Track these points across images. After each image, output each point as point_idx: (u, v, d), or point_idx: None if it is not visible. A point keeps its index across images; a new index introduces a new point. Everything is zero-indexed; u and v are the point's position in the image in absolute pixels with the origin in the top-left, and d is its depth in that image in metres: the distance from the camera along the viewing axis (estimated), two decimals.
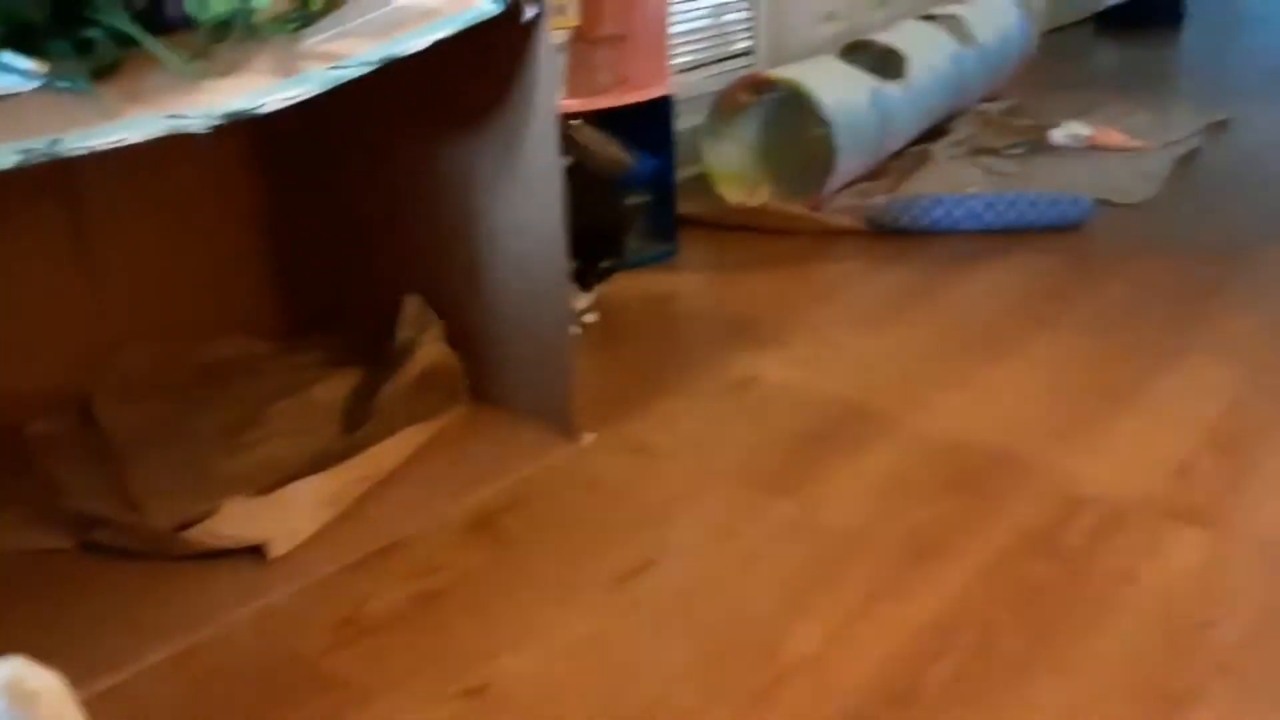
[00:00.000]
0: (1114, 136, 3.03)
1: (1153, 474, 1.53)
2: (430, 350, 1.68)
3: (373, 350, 1.76)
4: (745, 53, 3.12)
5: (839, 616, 1.28)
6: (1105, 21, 5.08)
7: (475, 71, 1.58)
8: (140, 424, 1.66)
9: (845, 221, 2.53)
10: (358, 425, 1.61)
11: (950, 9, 3.34)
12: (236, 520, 1.36)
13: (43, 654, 0.77)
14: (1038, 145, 3.04)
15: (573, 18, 2.23)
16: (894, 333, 2.01)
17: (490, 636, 1.26)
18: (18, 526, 1.43)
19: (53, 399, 1.69)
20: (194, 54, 1.32)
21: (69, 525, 1.42)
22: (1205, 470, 1.55)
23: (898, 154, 2.93)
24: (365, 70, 1.27)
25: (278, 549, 1.38)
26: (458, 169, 1.68)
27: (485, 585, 1.35)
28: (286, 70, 1.27)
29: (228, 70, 1.28)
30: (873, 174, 2.82)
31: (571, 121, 2.30)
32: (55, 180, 1.69)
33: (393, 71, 1.32)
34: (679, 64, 2.84)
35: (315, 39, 1.36)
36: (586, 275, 1.97)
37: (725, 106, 2.67)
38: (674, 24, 2.68)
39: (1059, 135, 3.04)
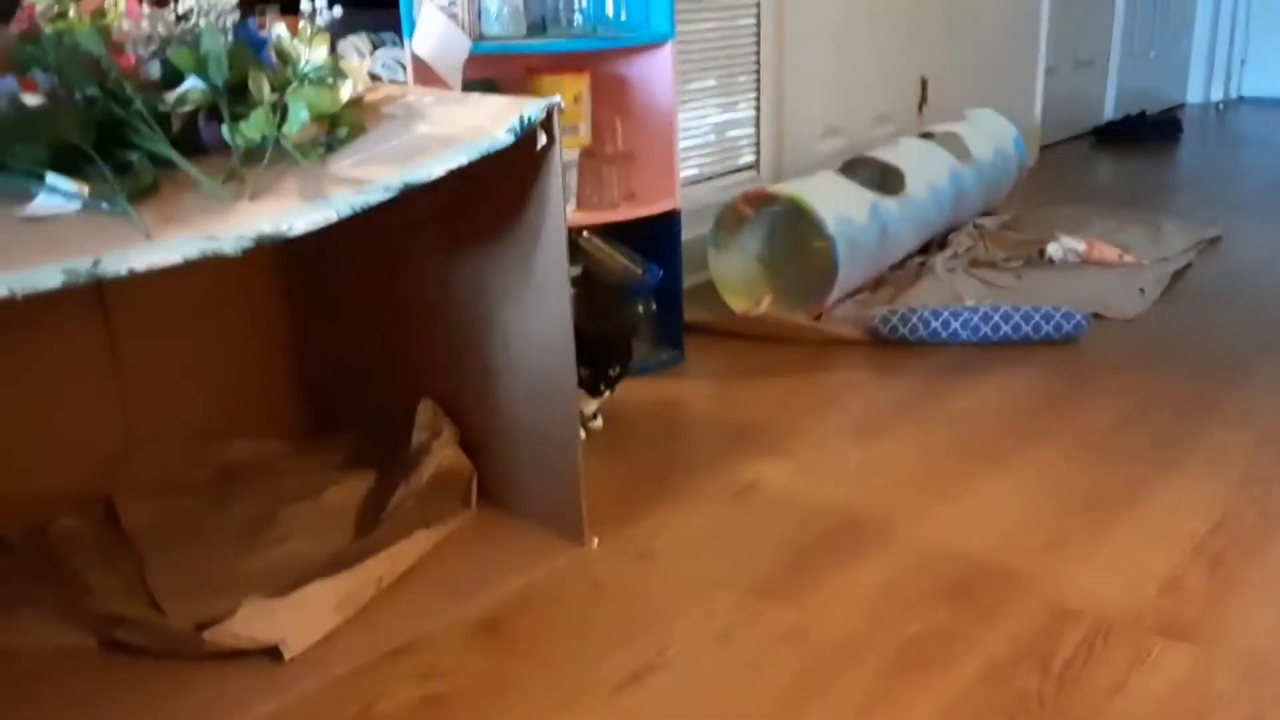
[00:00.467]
0: (1108, 252, 3.11)
1: (1142, 588, 1.58)
2: (443, 454, 1.74)
3: (388, 453, 1.82)
4: (749, 166, 3.23)
5: None
6: (1103, 136, 5.24)
7: (490, 191, 1.67)
8: (161, 523, 1.71)
9: (846, 331, 2.61)
10: (372, 527, 1.66)
11: (948, 127, 3.47)
12: (254, 621, 1.41)
13: None
14: (1034, 259, 3.13)
15: (585, 137, 2.34)
16: (892, 442, 2.07)
17: None
18: (41, 624, 1.48)
19: (77, 498, 1.75)
20: (227, 177, 1.41)
21: (92, 623, 1.46)
22: (1194, 585, 1.59)
23: (897, 266, 3.02)
24: (387, 196, 1.36)
25: (293, 650, 1.43)
26: (471, 281, 1.76)
27: (490, 689, 1.39)
28: (314, 194, 1.35)
29: (259, 193, 1.37)
30: (873, 285, 2.90)
31: (583, 233, 2.39)
32: (88, 289, 1.78)
33: (413, 190, 1.40)
34: (685, 177, 2.94)
35: (341, 164, 1.45)
36: (596, 381, 2.02)
37: (729, 219, 2.77)
38: (681, 139, 2.80)
39: (1054, 250, 3.13)
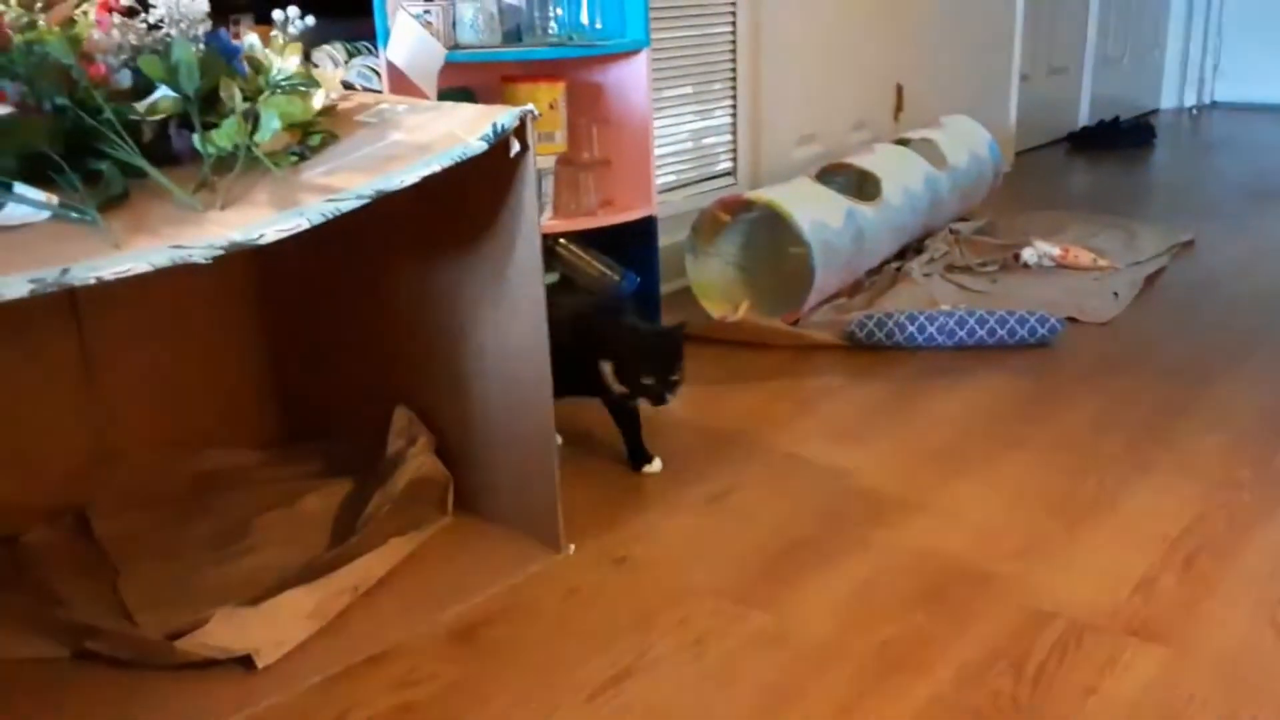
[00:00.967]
0: (1082, 256, 3.14)
1: (1115, 590, 1.58)
2: (419, 461, 1.74)
3: (363, 461, 1.81)
4: (726, 173, 3.24)
5: None
6: (1077, 142, 5.27)
7: (465, 199, 1.67)
8: (134, 534, 1.71)
9: (823, 336, 2.61)
10: (347, 535, 1.66)
11: (924, 133, 3.49)
12: (226, 631, 1.40)
13: None
14: (1009, 264, 3.15)
15: (561, 144, 2.34)
16: (868, 447, 2.07)
17: None
18: (14, 635, 1.46)
19: (49, 509, 1.74)
20: (198, 186, 1.40)
21: (64, 634, 1.45)
22: (1167, 587, 1.60)
23: (874, 271, 3.04)
24: (360, 203, 1.36)
25: (266, 659, 1.42)
26: (447, 289, 1.76)
27: (465, 697, 1.39)
28: (286, 202, 1.35)
29: (230, 202, 1.36)
30: (850, 290, 2.91)
31: (560, 240, 2.40)
32: (60, 299, 1.77)
33: (388, 197, 1.39)
34: (662, 184, 2.95)
35: (314, 172, 1.45)
36: (661, 389, 1.88)
37: (706, 225, 2.78)
38: (657, 146, 2.80)
39: (1029, 254, 3.15)
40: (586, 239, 2.42)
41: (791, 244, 2.69)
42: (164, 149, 1.47)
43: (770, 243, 2.85)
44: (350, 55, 2.32)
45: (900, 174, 3.14)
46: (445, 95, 2.12)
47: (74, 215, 1.30)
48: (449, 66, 2.10)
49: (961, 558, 1.67)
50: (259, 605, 1.45)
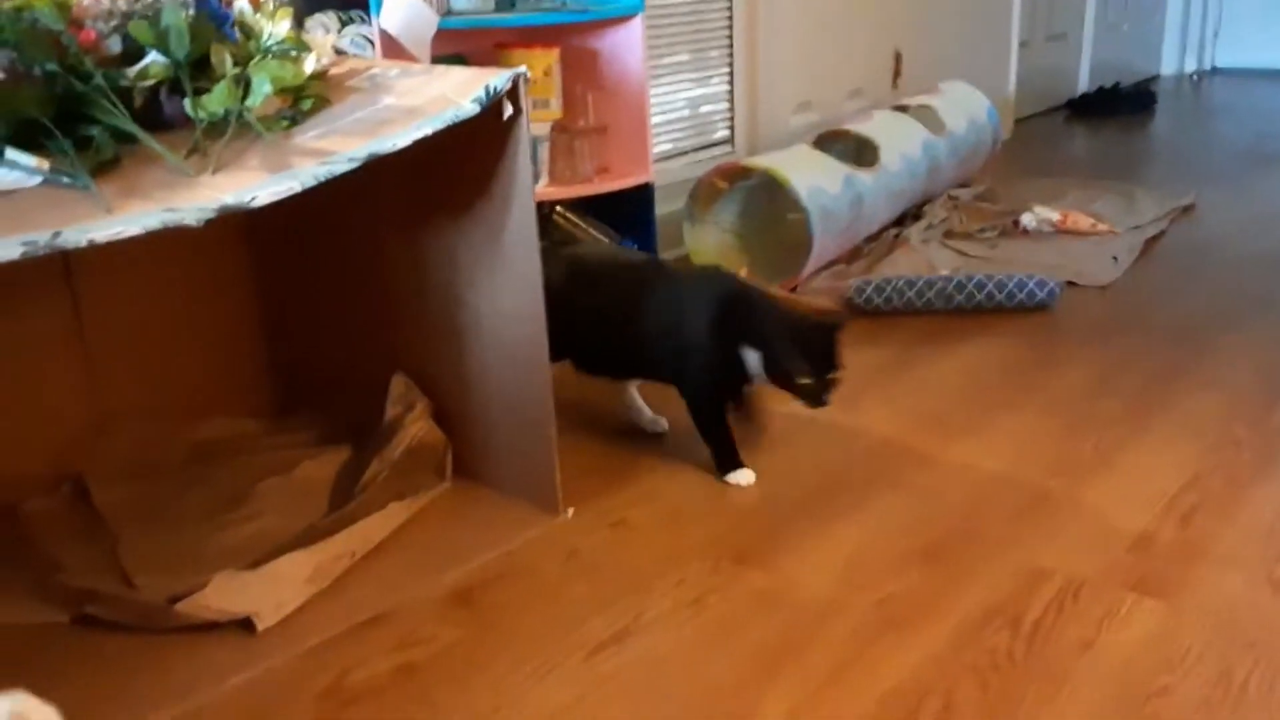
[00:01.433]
0: (1081, 221, 3.13)
1: (1112, 547, 1.59)
2: (417, 427, 1.74)
3: (361, 428, 1.81)
4: (724, 141, 3.23)
5: (808, 685, 1.32)
6: (1077, 109, 5.25)
7: (458, 165, 1.67)
8: (133, 502, 1.71)
9: (822, 302, 2.61)
10: (345, 501, 1.66)
11: (922, 100, 3.47)
12: (226, 593, 1.41)
13: None
14: (1008, 230, 3.14)
15: (556, 110, 2.34)
16: (867, 410, 2.07)
17: (469, 707, 1.30)
18: (13, 601, 1.47)
19: (48, 478, 1.74)
20: (190, 151, 1.40)
21: (64, 600, 1.46)
22: (1164, 543, 1.60)
23: (872, 238, 3.03)
24: (352, 166, 1.35)
25: (266, 621, 1.43)
26: (443, 255, 1.76)
27: (465, 657, 1.40)
28: (278, 166, 1.34)
29: (222, 166, 1.36)
30: (848, 257, 2.91)
31: (556, 207, 2.39)
32: (55, 266, 1.77)
33: (381, 163, 1.39)
34: (660, 152, 2.94)
35: (305, 136, 1.44)
36: (819, 390, 1.71)
37: (703, 192, 2.77)
38: (654, 114, 2.79)
39: (1028, 220, 3.14)
40: (583, 207, 2.42)
41: (789, 210, 2.68)
42: (155, 115, 1.47)
43: (768, 210, 2.84)
44: (343, 24, 2.30)
45: (898, 140, 3.13)
46: (439, 62, 2.11)
47: (65, 180, 1.30)
48: (442, 33, 2.09)
49: (960, 517, 1.68)
50: (258, 568, 1.46)
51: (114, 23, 1.49)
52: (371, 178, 1.72)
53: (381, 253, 1.85)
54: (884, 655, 1.37)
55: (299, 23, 1.60)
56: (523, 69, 1.53)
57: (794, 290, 2.66)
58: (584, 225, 2.41)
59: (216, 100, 1.44)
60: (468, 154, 1.63)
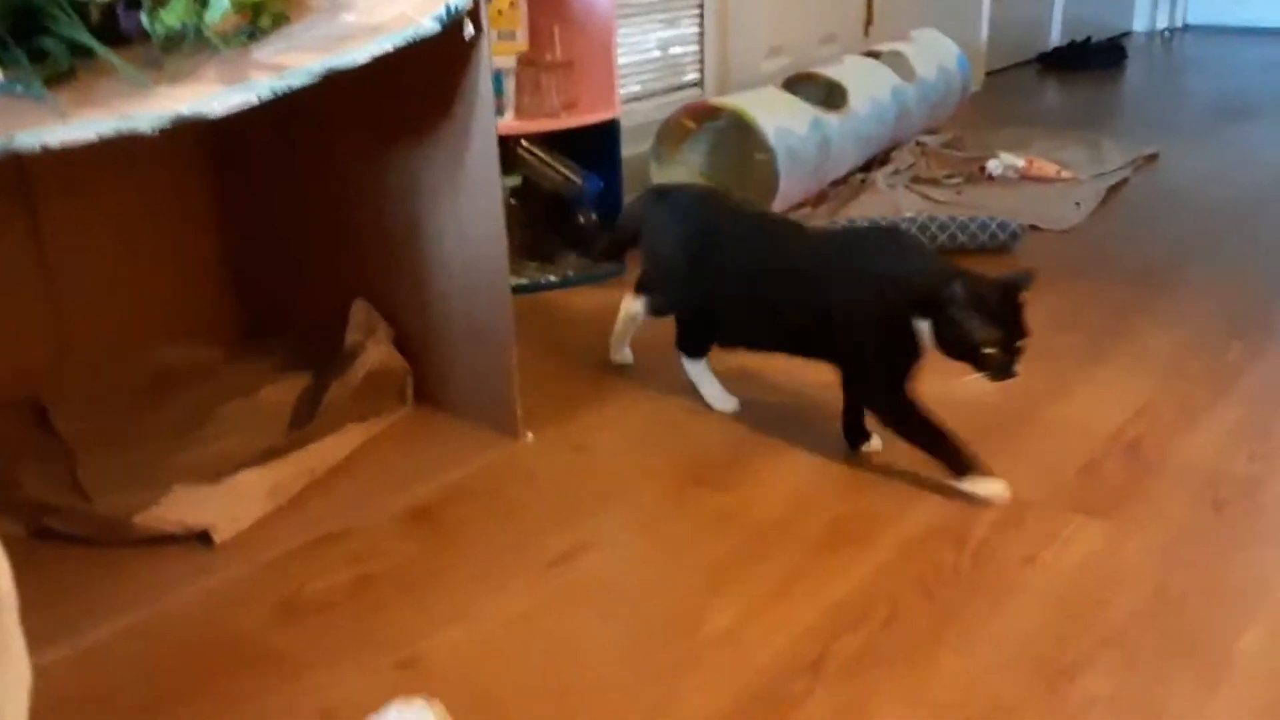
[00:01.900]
0: (1046, 168, 3.15)
1: (1060, 473, 1.62)
2: (377, 352, 1.75)
3: (322, 354, 1.82)
4: (693, 84, 3.22)
5: (758, 596, 1.35)
6: (1048, 63, 5.26)
7: (420, 88, 1.66)
8: (92, 424, 1.71)
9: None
10: (305, 424, 1.67)
11: (893, 46, 3.47)
12: (183, 506, 1.42)
13: None
14: (974, 176, 3.16)
15: (522, 43, 2.33)
16: None
17: (424, 616, 1.32)
18: None
19: (6, 402, 1.74)
20: (146, 64, 1.39)
21: (21, 512, 1.46)
22: (1112, 469, 1.63)
23: (839, 181, 3.04)
24: (310, 80, 1.35)
25: (222, 535, 1.44)
26: (404, 180, 1.76)
27: (421, 571, 1.42)
28: (234, 79, 1.34)
29: (178, 79, 1.35)
30: (814, 200, 2.92)
31: (521, 142, 2.39)
32: (12, 187, 1.76)
33: (342, 88, 1.38)
34: (628, 93, 2.93)
35: (263, 52, 1.43)
36: (1006, 364, 1.48)
37: (671, 132, 2.77)
38: (623, 55, 2.78)
39: (994, 166, 3.16)
40: (549, 142, 2.42)
41: (756, 151, 2.69)
42: (112, 29, 1.45)
43: (736, 152, 2.85)
44: None
45: (868, 85, 3.13)
46: None
47: (19, 89, 1.29)
48: None
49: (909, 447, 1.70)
50: (216, 483, 1.47)
51: None
52: (334, 101, 1.72)
53: (344, 179, 1.85)
54: (833, 569, 1.40)
55: None
56: None
57: None
58: (549, 160, 2.41)
59: (174, 14, 1.43)
60: (429, 76, 1.63)
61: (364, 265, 1.86)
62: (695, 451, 1.71)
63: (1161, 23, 6.50)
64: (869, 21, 3.96)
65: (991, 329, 1.45)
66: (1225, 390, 1.87)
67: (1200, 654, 1.23)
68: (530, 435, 1.73)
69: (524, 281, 2.39)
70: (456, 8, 1.49)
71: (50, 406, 1.76)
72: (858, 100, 3.02)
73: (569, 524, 1.51)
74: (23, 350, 1.80)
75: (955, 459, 1.55)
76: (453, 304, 1.76)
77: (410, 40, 1.44)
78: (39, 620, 1.20)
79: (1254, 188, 3.13)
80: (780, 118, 2.71)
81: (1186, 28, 6.54)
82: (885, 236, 1.74)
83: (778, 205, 2.68)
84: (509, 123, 2.30)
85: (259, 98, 1.31)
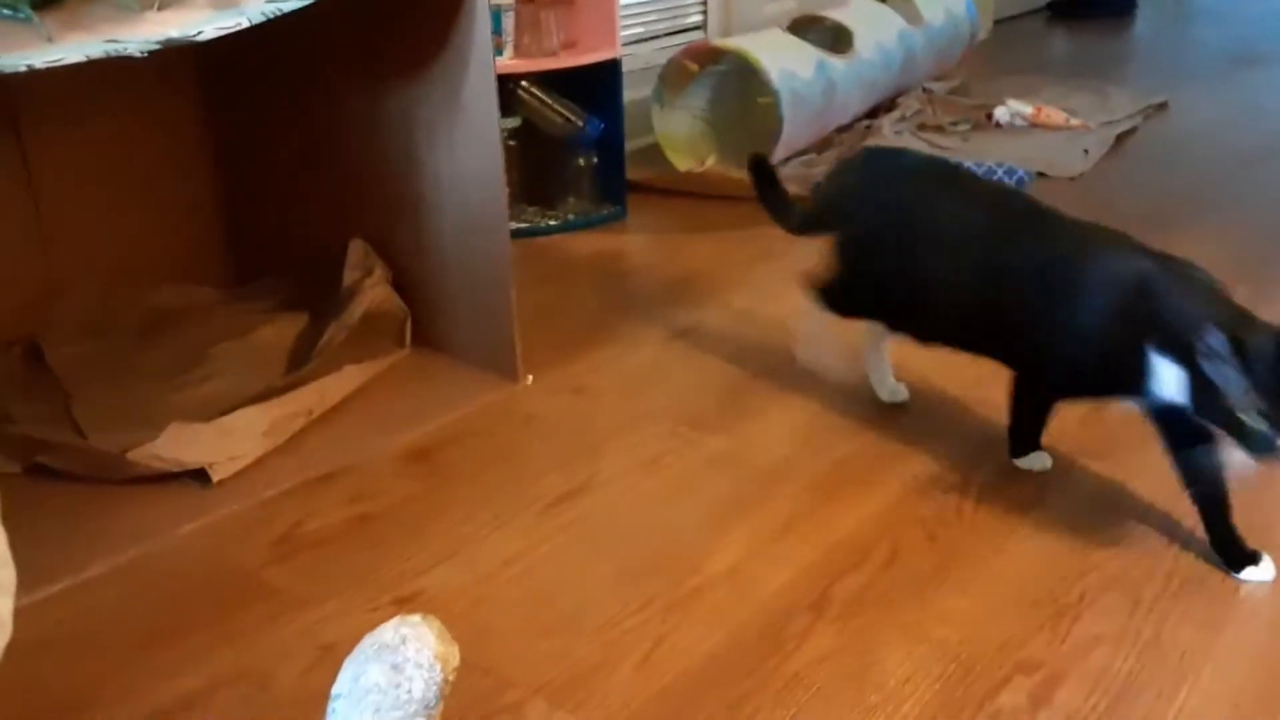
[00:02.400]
0: (1054, 115, 3.10)
1: (1064, 418, 1.60)
2: (374, 293, 1.72)
3: (320, 295, 1.79)
4: (696, 27, 3.17)
5: (759, 536, 1.33)
6: (1057, 11, 5.18)
7: (417, 23, 1.63)
8: (87, 363, 1.69)
9: (791, 189, 2.58)
10: (302, 364, 1.65)
11: None
12: (179, 444, 1.40)
13: None
14: (981, 123, 3.12)
15: None
16: None
17: (423, 553, 1.31)
18: None
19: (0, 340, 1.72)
20: None
21: (16, 450, 1.45)
22: (1113, 415, 1.61)
23: (844, 128, 3.00)
24: (302, 4, 1.31)
25: (220, 473, 1.42)
26: (401, 119, 1.72)
27: (420, 509, 1.40)
28: (224, 4, 1.31)
29: (167, 3, 1.32)
30: (819, 146, 2.88)
31: (521, 83, 2.35)
32: (4, 127, 1.72)
33: (339, 23, 1.35)
34: (630, 35, 2.88)
35: None
36: (1273, 437, 1.12)
37: (673, 75, 2.72)
38: None
39: (1002, 113, 3.11)
40: (549, 83, 2.37)
41: (760, 95, 2.64)
42: None
43: (739, 97, 2.80)
44: None
45: (874, 29, 3.08)
46: None
47: (6, 13, 1.26)
48: None
49: (917, 386, 1.68)
50: (213, 421, 1.45)
51: None
52: (329, 37, 1.68)
53: (341, 117, 1.81)
54: (835, 510, 1.38)
55: None
56: None
57: None
58: (549, 101, 2.37)
59: None
60: (426, 11, 1.59)
61: (361, 205, 1.83)
62: (696, 394, 1.69)
63: None
64: None
65: (1263, 395, 1.11)
66: None
67: (1204, 594, 1.22)
68: (530, 378, 1.71)
69: (523, 225, 2.36)
70: None
71: (44, 344, 1.74)
72: (864, 44, 2.97)
73: (568, 465, 1.49)
74: (15, 288, 1.78)
75: (1021, 442, 1.46)
76: (451, 246, 1.74)
77: None
78: (34, 556, 1.19)
79: (1264, 136, 3.09)
80: (785, 60, 2.66)
81: None
82: (1138, 249, 1.43)
83: (781, 151, 2.65)
84: (507, 61, 2.26)
85: (250, 21, 1.28)
